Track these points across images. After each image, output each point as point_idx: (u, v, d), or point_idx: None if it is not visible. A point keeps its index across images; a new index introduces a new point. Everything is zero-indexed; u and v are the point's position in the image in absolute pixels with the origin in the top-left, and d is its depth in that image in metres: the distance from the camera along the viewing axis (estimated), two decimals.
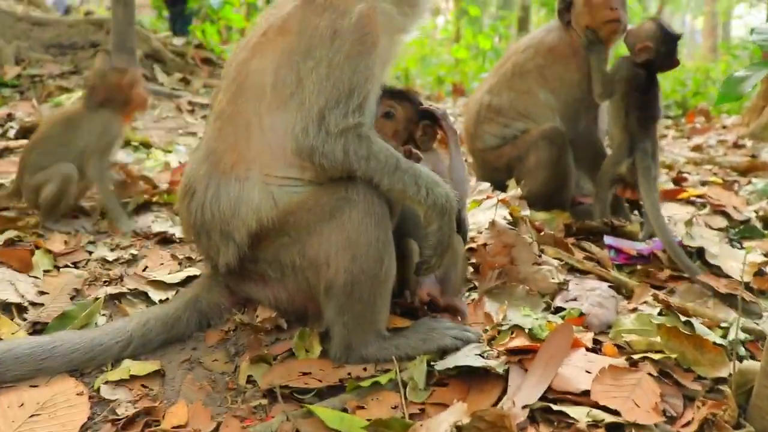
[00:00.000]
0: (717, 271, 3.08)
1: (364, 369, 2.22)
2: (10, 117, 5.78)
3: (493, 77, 4.36)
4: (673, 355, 2.22)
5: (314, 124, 2.20)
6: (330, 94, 2.21)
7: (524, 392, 2.01)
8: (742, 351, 2.34)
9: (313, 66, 2.23)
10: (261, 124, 2.30)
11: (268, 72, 2.31)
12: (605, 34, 3.94)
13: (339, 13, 2.29)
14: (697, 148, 7.26)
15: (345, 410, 2.00)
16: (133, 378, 2.18)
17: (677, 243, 3.24)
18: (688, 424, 1.96)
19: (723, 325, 2.54)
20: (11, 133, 5.26)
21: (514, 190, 3.80)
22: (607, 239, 3.42)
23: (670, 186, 4.69)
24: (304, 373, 2.18)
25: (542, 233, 3.11)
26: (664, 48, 3.64)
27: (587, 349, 2.25)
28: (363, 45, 2.26)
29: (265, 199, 2.29)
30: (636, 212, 4.02)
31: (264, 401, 2.09)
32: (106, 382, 2.14)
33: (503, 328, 2.38)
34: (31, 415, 1.95)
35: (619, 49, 4.02)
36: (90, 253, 3.14)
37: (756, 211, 4.11)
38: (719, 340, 2.32)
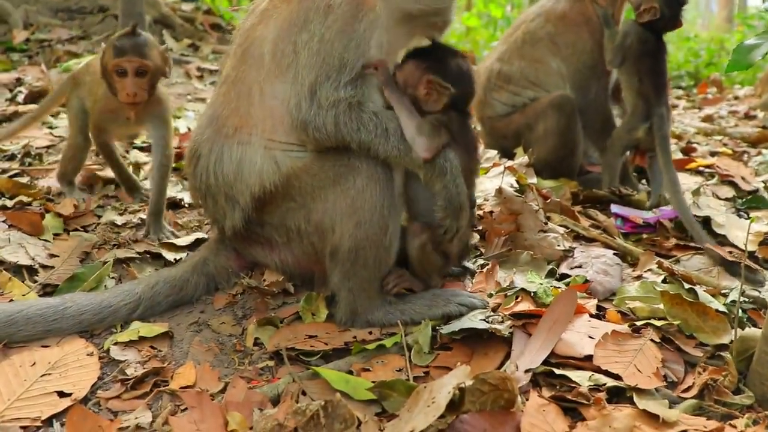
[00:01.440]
0: (723, 240, 3.08)
1: (370, 333, 2.25)
2: (19, 81, 5.78)
3: (503, 45, 4.32)
4: (676, 322, 2.24)
5: (306, 99, 2.23)
6: (320, 68, 2.23)
7: (527, 356, 2.04)
8: (744, 318, 2.35)
9: (307, 39, 2.26)
10: (262, 91, 2.33)
11: (268, 40, 2.34)
12: None
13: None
14: (707, 119, 7.19)
15: (350, 372, 2.04)
16: (142, 339, 2.22)
17: (670, 215, 3.26)
18: (688, 389, 1.99)
19: (726, 292, 2.54)
20: (20, 97, 5.27)
21: (521, 158, 3.79)
22: (614, 208, 3.42)
23: (679, 156, 4.66)
24: (310, 336, 2.22)
25: (549, 201, 3.12)
26: (668, 9, 3.64)
27: (591, 316, 2.28)
28: (355, 21, 2.26)
29: (268, 163, 2.32)
30: (644, 181, 4.01)
31: (270, 363, 2.13)
32: (116, 343, 2.18)
33: (508, 293, 2.40)
34: (43, 375, 1.99)
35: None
36: (99, 217, 3.16)
37: (764, 182, 4.10)
38: (722, 308, 2.33)
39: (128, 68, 2.85)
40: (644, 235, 3.21)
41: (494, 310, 2.33)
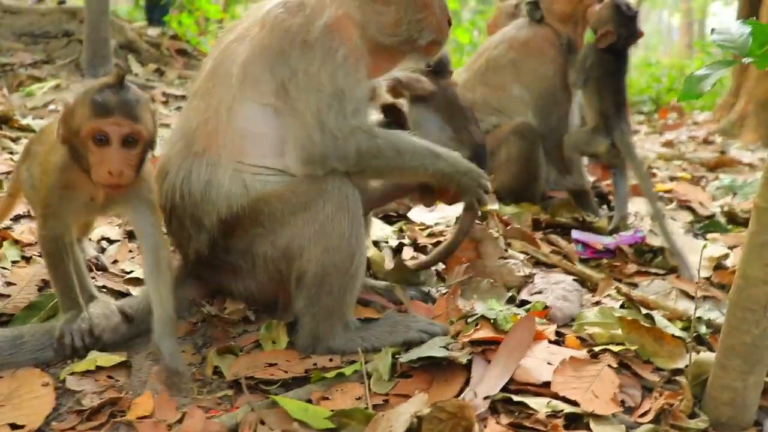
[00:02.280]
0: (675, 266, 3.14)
1: (330, 360, 2.24)
2: None
3: (466, 72, 4.39)
4: (633, 347, 2.27)
5: (317, 132, 2.26)
6: (318, 101, 2.27)
7: (486, 383, 2.04)
8: (701, 341, 2.40)
9: (290, 75, 2.29)
10: (231, 110, 2.32)
11: (239, 62, 2.35)
12: (583, 20, 4.06)
13: (309, 18, 2.34)
14: (668, 144, 7.36)
15: (309, 401, 2.02)
16: (99, 369, 2.16)
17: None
18: (645, 414, 2.01)
19: (683, 318, 2.59)
20: None
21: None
22: (575, 233, 3.47)
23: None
24: (270, 364, 2.20)
25: (509, 227, 3.15)
26: (623, 29, 3.81)
27: (550, 342, 2.30)
28: (336, 53, 2.31)
29: (236, 186, 2.30)
30: (605, 207, 4.08)
31: (230, 392, 2.11)
32: (72, 373, 2.14)
33: (468, 320, 2.41)
34: None
35: None
36: None
37: (721, 207, 4.19)
38: (678, 333, 2.37)
39: (113, 135, 1.92)
40: (604, 260, 3.26)
41: (454, 336, 2.33)
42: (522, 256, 2.97)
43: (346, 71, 2.31)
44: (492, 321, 2.35)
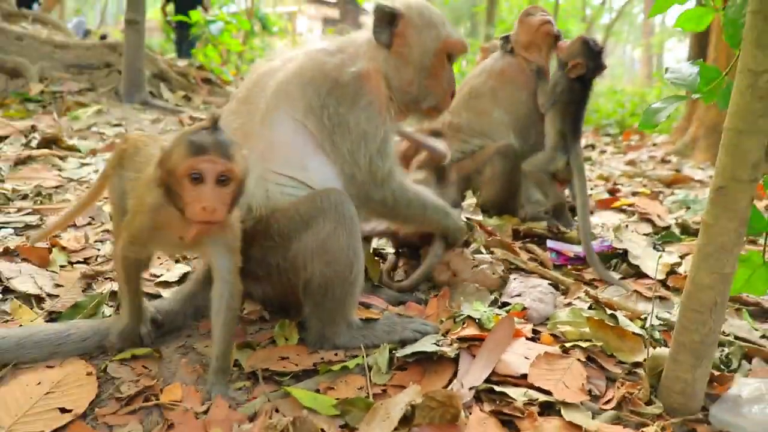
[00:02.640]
0: (638, 270, 3.15)
1: (336, 355, 2.25)
2: (33, 128, 5.71)
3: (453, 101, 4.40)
4: (599, 344, 2.28)
5: (356, 169, 2.36)
6: (352, 142, 2.33)
7: (471, 375, 2.05)
8: (657, 337, 2.41)
9: (321, 105, 2.33)
10: (265, 118, 2.35)
11: (278, 77, 2.41)
12: (544, 45, 4.12)
13: (344, 62, 2.40)
14: (630, 163, 7.37)
15: (317, 391, 2.03)
16: (135, 358, 2.19)
17: (599, 249, 3.34)
18: (609, 401, 2.02)
19: (642, 317, 2.60)
20: (34, 143, 5.21)
21: (470, 199, 3.84)
22: (549, 243, 3.48)
23: (606, 196, 4.76)
24: (283, 358, 2.21)
25: (491, 238, 3.16)
26: (592, 62, 3.86)
27: (527, 338, 2.31)
28: (360, 102, 2.35)
29: (259, 191, 2.31)
30: (575, 219, 4.09)
31: (248, 383, 2.11)
32: (112, 361, 2.16)
33: (456, 319, 2.43)
34: (47, 393, 1.95)
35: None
36: (98, 250, 3.13)
37: (676, 219, 4.20)
38: (638, 330, 2.39)
39: (208, 173, 1.79)
40: (569, 266, 3.27)
41: (444, 334, 2.35)
42: (489, 257, 3.01)
43: (369, 116, 2.35)
44: (477, 320, 2.36)
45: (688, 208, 4.67)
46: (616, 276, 3.12)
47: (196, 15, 8.87)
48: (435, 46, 2.49)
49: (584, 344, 2.28)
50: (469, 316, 2.40)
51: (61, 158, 4.83)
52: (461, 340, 2.23)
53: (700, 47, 8.48)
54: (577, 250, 3.42)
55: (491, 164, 3.98)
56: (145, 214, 1.96)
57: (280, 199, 2.32)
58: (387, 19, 2.46)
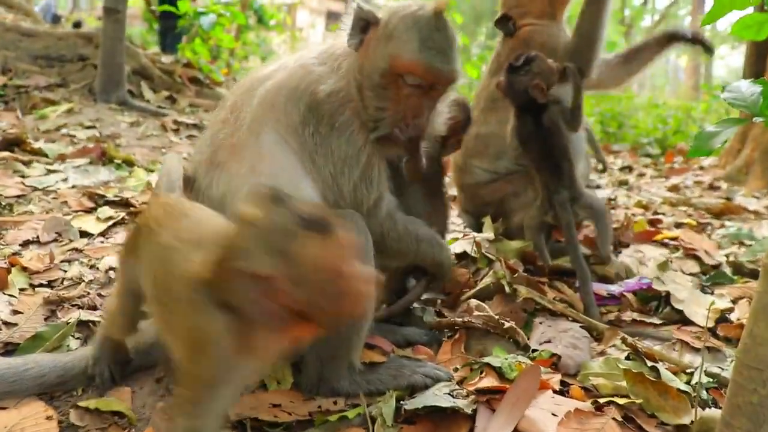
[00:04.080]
0: (682, 317, 3.12)
1: (335, 402, 2.23)
2: None
3: (474, 109, 4.31)
4: (638, 401, 2.25)
5: (344, 201, 2.39)
6: (338, 169, 2.37)
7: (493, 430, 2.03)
8: (705, 396, 2.38)
9: (303, 122, 2.37)
10: (254, 130, 2.37)
11: (268, 85, 2.44)
12: (558, 7, 4.11)
13: (323, 74, 2.43)
14: (673, 188, 7.35)
15: None
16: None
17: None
18: None
19: (688, 371, 2.57)
20: None
21: (489, 231, 3.80)
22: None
23: (646, 227, 4.73)
24: (275, 405, 2.19)
25: (516, 275, 3.14)
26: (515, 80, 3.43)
27: (554, 392, 2.29)
28: (338, 123, 2.38)
29: None
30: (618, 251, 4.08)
31: None
32: (75, 407, 2.14)
33: (474, 367, 2.40)
34: None
35: None
36: (65, 271, 3.12)
37: (727, 256, 4.17)
38: (683, 386, 2.36)
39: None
40: (602, 309, 3.24)
41: (459, 383, 2.33)
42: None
43: (348, 138, 2.37)
44: (497, 369, 2.34)
45: (742, 243, 4.64)
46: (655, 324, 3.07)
47: (184, 5, 8.93)
48: (383, 65, 2.35)
49: (620, 400, 2.26)
50: (487, 364, 2.38)
51: (25, 163, 4.84)
52: (479, 392, 2.21)
53: (758, 56, 8.49)
54: (612, 289, 3.40)
55: (534, 186, 3.85)
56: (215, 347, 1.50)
57: None
58: (361, 25, 2.43)
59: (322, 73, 2.43)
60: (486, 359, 2.41)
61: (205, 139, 2.56)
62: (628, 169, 9.44)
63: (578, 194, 3.45)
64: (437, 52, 2.33)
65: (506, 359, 2.40)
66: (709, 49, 4.09)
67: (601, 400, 2.26)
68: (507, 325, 2.70)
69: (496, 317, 2.73)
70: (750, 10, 2.12)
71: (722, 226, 5.30)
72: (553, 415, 2.11)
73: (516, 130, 3.53)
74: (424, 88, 2.37)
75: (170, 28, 11.61)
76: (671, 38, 4.06)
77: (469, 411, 2.12)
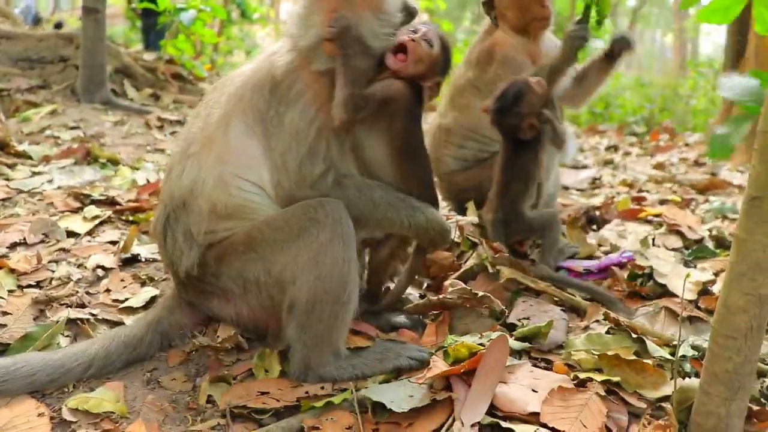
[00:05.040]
0: (665, 290, 3.16)
1: (322, 388, 2.27)
2: None
3: (442, 99, 4.39)
4: (616, 378, 2.29)
5: (284, 175, 2.39)
6: (284, 143, 2.38)
7: (469, 408, 2.06)
8: (688, 369, 2.42)
9: (267, 108, 2.41)
10: (224, 122, 2.44)
11: (238, 81, 2.53)
12: (533, 31, 4.02)
13: (283, 51, 2.48)
14: (659, 166, 7.40)
15: (302, 429, 2.05)
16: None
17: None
18: None
19: (672, 343, 2.61)
20: None
21: (472, 216, 3.85)
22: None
23: (630, 205, 4.78)
24: (263, 393, 2.23)
25: (498, 255, 3.18)
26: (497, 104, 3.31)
27: (536, 366, 2.33)
28: (291, 95, 2.40)
29: (219, 189, 2.39)
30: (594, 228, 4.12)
31: (222, 421, 2.13)
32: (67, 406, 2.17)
33: (451, 344, 2.43)
34: None
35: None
36: (53, 272, 3.15)
37: (710, 230, 4.22)
38: (667, 356, 2.41)
39: None
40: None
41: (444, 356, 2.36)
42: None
43: (302, 110, 2.39)
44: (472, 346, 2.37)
45: (725, 217, 4.69)
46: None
47: (164, 2, 8.91)
48: None
49: (600, 376, 2.28)
50: (463, 344, 2.41)
51: (9, 166, 4.86)
52: (455, 363, 2.26)
53: (740, 32, 8.52)
54: (588, 264, 3.44)
55: None
56: None
57: (243, 197, 2.40)
58: None
59: (281, 52, 2.48)
60: (463, 338, 2.44)
61: (182, 133, 2.63)
62: (614, 148, 9.49)
63: (514, 219, 3.34)
64: None
65: (483, 336, 2.43)
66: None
67: (582, 376, 2.28)
68: (480, 294, 2.72)
69: (469, 289, 2.74)
70: None
71: (707, 201, 5.35)
72: (534, 390, 2.15)
73: (502, 154, 3.40)
74: None
75: (152, 26, 11.57)
76: (610, 55, 3.95)
77: (440, 399, 2.13)
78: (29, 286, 2.99)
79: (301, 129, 2.37)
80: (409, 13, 2.58)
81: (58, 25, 16.20)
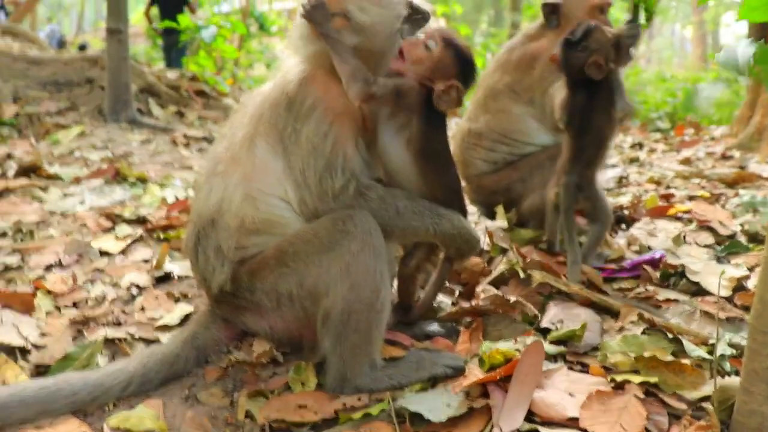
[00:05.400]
0: (699, 288, 3.13)
1: (359, 399, 2.28)
2: (9, 156, 5.84)
3: (471, 105, 4.41)
4: (653, 380, 2.26)
5: (306, 192, 2.40)
6: (303, 160, 2.39)
7: (506, 415, 2.05)
8: (728, 368, 2.39)
9: (285, 125, 2.43)
10: (249, 141, 2.47)
11: (257, 101, 2.56)
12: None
13: (287, 80, 2.49)
14: (685, 161, 7.30)
15: None
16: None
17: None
18: None
19: (710, 342, 2.58)
20: (10, 172, 5.32)
21: (501, 220, 3.84)
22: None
23: (658, 203, 4.73)
24: (300, 406, 2.23)
25: (528, 260, 3.17)
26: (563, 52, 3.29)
27: (571, 369, 2.31)
28: (304, 110, 2.41)
29: (247, 204, 2.42)
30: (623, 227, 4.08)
31: None
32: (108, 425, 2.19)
33: (486, 351, 2.42)
34: None
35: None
36: (88, 291, 3.19)
37: (742, 225, 4.16)
38: (705, 355, 2.38)
39: None
40: (624, 284, 3.24)
41: (479, 363, 2.36)
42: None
43: (317, 124, 2.39)
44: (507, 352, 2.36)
45: (756, 211, 4.61)
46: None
47: (185, 20, 9.00)
48: None
49: (638, 378, 2.25)
50: (498, 350, 2.40)
51: (42, 189, 4.93)
52: (491, 370, 2.25)
53: (760, 23, 8.42)
54: (623, 263, 3.42)
55: (541, 171, 3.93)
56: None
57: (271, 211, 2.44)
58: None
59: (294, 68, 2.51)
60: (498, 344, 2.43)
61: (209, 154, 2.68)
62: (639, 145, 9.39)
63: (586, 184, 3.34)
64: None
65: (518, 341, 2.42)
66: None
67: (619, 378, 2.26)
68: (513, 299, 2.71)
69: (501, 295, 2.74)
70: None
71: (736, 195, 5.26)
72: (571, 395, 2.14)
73: (567, 105, 3.35)
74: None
75: (173, 43, 11.71)
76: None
77: (479, 407, 2.13)
78: (66, 306, 3.03)
79: (317, 144, 2.38)
80: (420, 15, 2.55)
81: (82, 47, 16.47)
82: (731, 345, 2.54)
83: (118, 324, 2.87)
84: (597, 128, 3.30)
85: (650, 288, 3.17)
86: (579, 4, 4.06)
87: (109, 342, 2.69)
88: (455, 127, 4.65)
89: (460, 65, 2.50)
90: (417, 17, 2.53)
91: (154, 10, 13.47)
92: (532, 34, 4.25)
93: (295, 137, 2.40)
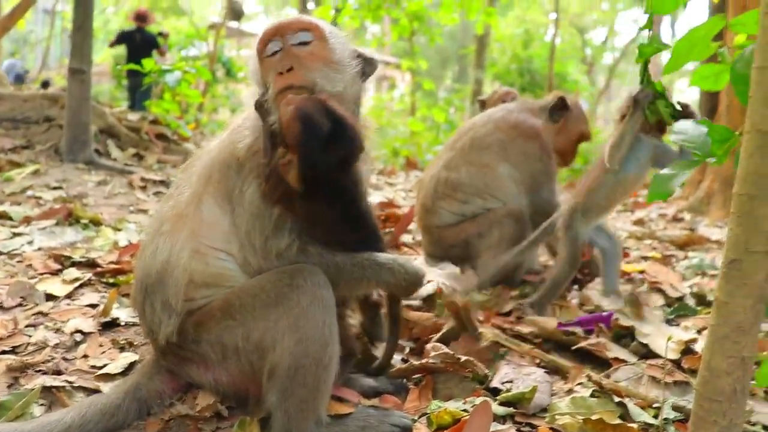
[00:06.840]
0: (648, 351, 3.14)
1: None
2: None
3: (449, 152, 4.38)
4: None
5: (250, 252, 2.39)
6: (247, 222, 2.38)
7: None
8: (673, 431, 2.39)
9: (233, 186, 2.43)
10: (196, 199, 2.45)
11: (205, 159, 2.56)
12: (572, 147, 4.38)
13: (247, 130, 2.50)
14: (639, 222, 7.44)
15: None
16: None
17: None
18: None
19: (655, 405, 2.58)
20: None
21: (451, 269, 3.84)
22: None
23: None
24: None
25: (482, 318, 3.16)
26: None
27: (517, 430, 2.29)
28: (253, 173, 2.41)
29: (196, 261, 2.39)
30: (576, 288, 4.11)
31: None
32: None
33: (435, 411, 2.39)
34: None
35: None
36: (29, 336, 3.08)
37: (691, 287, 4.23)
38: (651, 420, 2.37)
39: None
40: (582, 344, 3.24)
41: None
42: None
43: (259, 188, 2.38)
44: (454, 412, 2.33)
45: (705, 274, 4.70)
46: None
47: (149, 63, 8.98)
48: None
49: None
50: (446, 410, 2.37)
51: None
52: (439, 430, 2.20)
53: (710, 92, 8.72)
54: (581, 314, 3.44)
55: (500, 227, 3.97)
56: None
57: (221, 265, 2.41)
58: None
59: (245, 131, 2.50)
60: (447, 404, 2.40)
61: (155, 214, 2.66)
62: None
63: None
64: None
65: (467, 401, 2.40)
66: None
67: None
68: (463, 359, 2.70)
69: (451, 353, 2.72)
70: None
71: (686, 257, 5.37)
72: None
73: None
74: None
75: (138, 85, 11.65)
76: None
77: None
78: (4, 352, 2.91)
79: (262, 209, 2.37)
80: (367, 61, 2.56)
81: (45, 84, 16.28)
82: (676, 408, 2.54)
83: (59, 372, 2.76)
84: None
85: (602, 340, 3.18)
86: (576, 123, 4.26)
87: (46, 390, 2.58)
88: (426, 172, 4.62)
89: (304, 140, 2.21)
90: (367, 68, 2.56)
91: (121, 50, 13.44)
92: (532, 108, 4.34)
93: (241, 199, 2.40)
